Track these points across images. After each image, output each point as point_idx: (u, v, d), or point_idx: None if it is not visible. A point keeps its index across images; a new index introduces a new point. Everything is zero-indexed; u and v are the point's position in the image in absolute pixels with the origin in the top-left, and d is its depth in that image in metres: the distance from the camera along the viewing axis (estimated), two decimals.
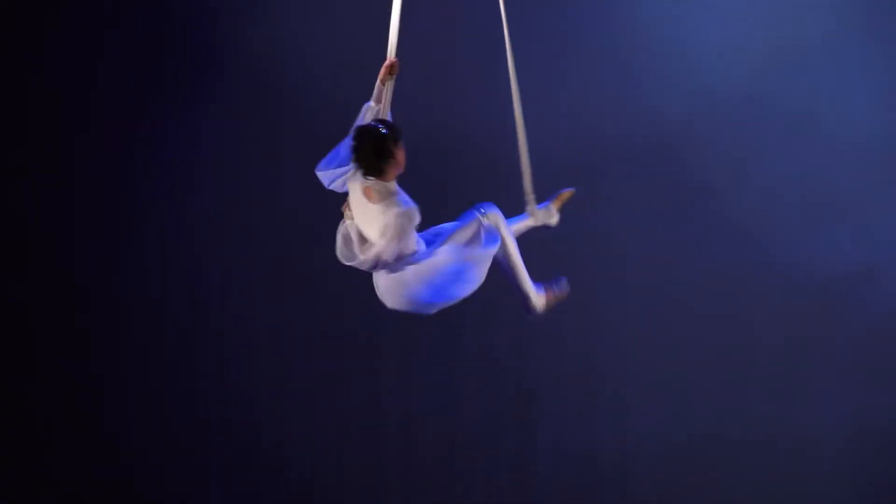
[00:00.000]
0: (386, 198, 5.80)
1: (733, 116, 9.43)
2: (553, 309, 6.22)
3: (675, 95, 9.42)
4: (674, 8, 9.41)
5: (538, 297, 6.23)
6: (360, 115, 6.03)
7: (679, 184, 9.45)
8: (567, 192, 6.62)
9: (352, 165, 5.88)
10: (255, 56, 9.65)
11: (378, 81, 6.07)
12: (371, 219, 5.85)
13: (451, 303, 5.97)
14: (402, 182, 5.90)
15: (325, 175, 6.00)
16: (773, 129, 9.42)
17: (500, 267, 6.17)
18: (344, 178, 5.95)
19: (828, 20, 9.37)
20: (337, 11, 9.53)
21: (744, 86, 9.43)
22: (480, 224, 6.04)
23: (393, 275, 5.89)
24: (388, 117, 6.03)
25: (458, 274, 5.94)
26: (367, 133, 5.82)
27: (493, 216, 6.08)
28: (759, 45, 9.41)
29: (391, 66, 6.10)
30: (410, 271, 5.89)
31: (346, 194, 5.99)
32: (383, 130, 5.81)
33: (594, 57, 9.41)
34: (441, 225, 6.10)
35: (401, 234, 5.78)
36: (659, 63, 9.42)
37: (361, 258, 5.89)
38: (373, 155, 5.79)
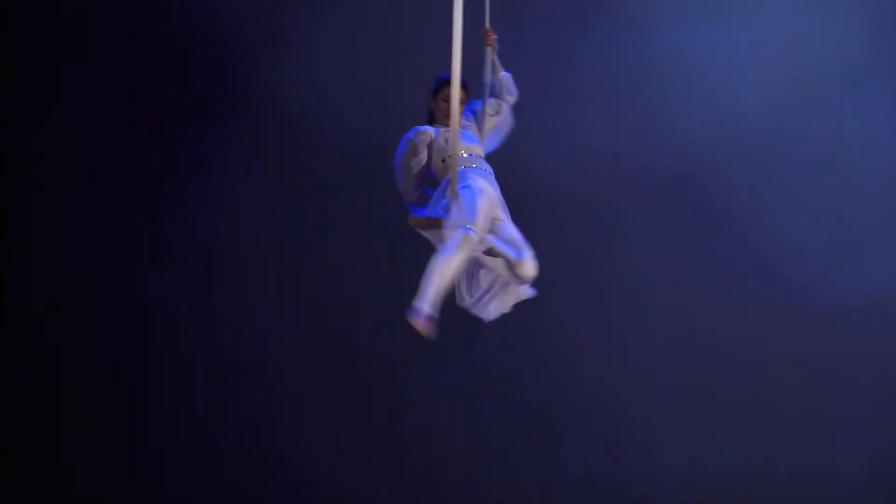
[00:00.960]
0: None
1: (756, 145, 9.45)
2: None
3: (698, 124, 9.46)
4: (696, 37, 9.46)
5: (414, 313, 6.18)
6: None
7: (703, 212, 9.48)
8: None
9: None
10: (280, 89, 9.69)
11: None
12: None
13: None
14: None
15: None
16: (797, 157, 9.44)
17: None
18: None
19: (850, 49, 9.41)
20: (362, 47, 9.62)
21: (767, 115, 9.44)
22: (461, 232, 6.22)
23: None
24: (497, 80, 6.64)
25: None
26: None
27: (470, 237, 6.22)
28: (782, 74, 9.44)
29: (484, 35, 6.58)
30: None
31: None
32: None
33: (617, 86, 9.47)
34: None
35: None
36: (682, 92, 9.46)
37: None
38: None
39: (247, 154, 9.74)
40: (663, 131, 9.45)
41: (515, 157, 9.01)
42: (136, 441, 9.72)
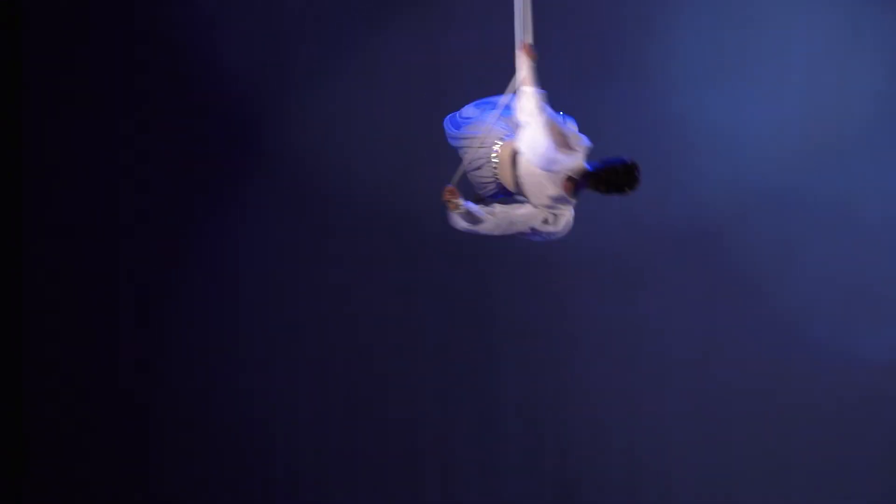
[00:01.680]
0: None
1: (772, 204, 9.47)
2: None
3: (714, 183, 9.49)
4: (711, 96, 9.49)
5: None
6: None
7: (719, 270, 9.51)
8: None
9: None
10: (298, 157, 9.80)
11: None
12: None
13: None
14: None
15: None
16: (812, 216, 9.45)
17: None
18: None
19: (864, 107, 9.44)
20: (377, 110, 9.71)
21: (782, 174, 9.46)
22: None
23: None
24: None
25: None
26: None
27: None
28: (797, 133, 9.47)
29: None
30: None
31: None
32: None
33: (633, 145, 9.41)
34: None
35: None
36: (698, 151, 9.50)
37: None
38: None
39: (260, 213, 9.81)
40: (680, 190, 9.48)
41: None
42: (152, 448, 9.83)
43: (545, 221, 5.95)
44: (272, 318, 9.82)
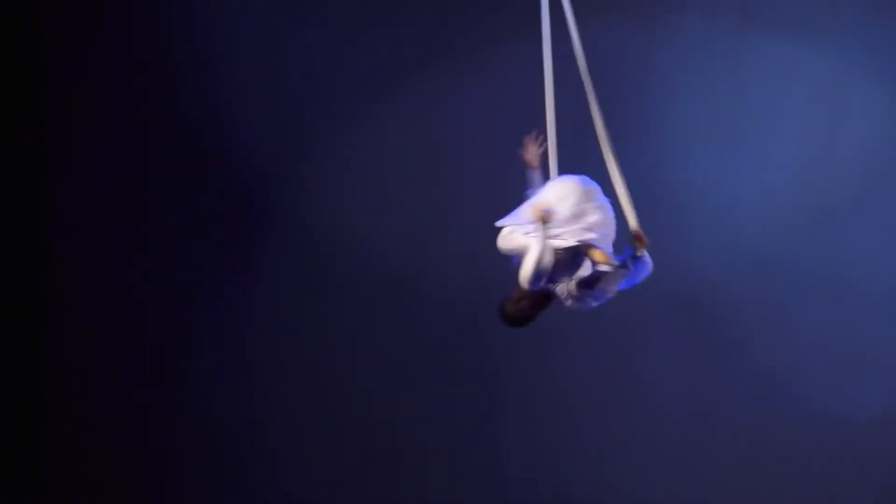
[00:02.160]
0: None
1: (763, 268, 9.56)
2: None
3: (707, 247, 9.58)
4: (704, 161, 9.60)
5: None
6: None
7: (711, 331, 9.60)
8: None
9: None
10: (306, 222, 9.94)
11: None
12: None
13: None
14: None
15: None
16: (802, 280, 9.54)
17: None
18: None
19: (854, 176, 9.53)
20: (388, 181, 9.84)
21: (773, 239, 9.56)
22: None
23: None
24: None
25: None
26: None
27: None
28: (788, 199, 9.56)
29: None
30: None
31: None
32: None
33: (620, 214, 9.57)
34: None
35: None
36: (691, 215, 9.58)
37: None
38: None
39: (268, 278, 9.92)
40: (673, 254, 9.39)
41: None
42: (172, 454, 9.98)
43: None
44: (278, 380, 9.91)
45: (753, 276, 9.57)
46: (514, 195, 6.41)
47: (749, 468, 9.56)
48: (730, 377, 9.59)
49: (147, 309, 9.98)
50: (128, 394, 9.96)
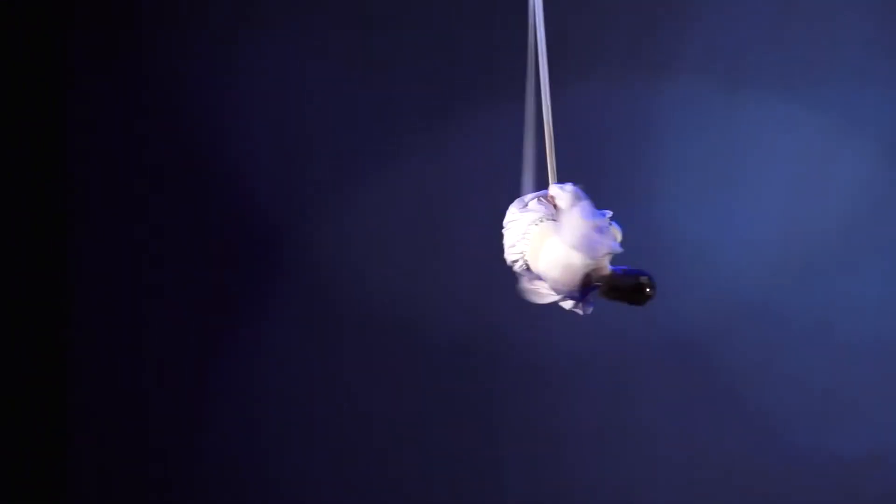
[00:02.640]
0: None
1: (753, 317, 9.62)
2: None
3: (698, 296, 9.64)
4: (696, 212, 9.68)
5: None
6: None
7: (703, 377, 9.68)
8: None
9: None
10: (314, 274, 10.01)
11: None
12: None
13: None
14: None
15: None
16: (791, 328, 9.62)
17: None
18: None
19: (842, 229, 9.64)
20: (395, 229, 9.94)
21: (763, 288, 9.62)
22: None
23: None
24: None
25: None
26: None
27: None
28: (778, 250, 9.65)
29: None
30: None
31: None
32: None
33: (621, 259, 9.53)
34: None
35: None
36: (683, 265, 9.62)
37: None
38: None
39: (276, 327, 10.00)
40: (665, 304, 8.95)
41: (530, 325, 9.47)
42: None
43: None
44: (285, 428, 9.99)
45: (743, 324, 9.64)
46: None
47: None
48: (720, 419, 9.65)
49: (156, 356, 10.05)
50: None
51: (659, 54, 9.77)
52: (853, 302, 9.66)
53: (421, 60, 9.88)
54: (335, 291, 9.96)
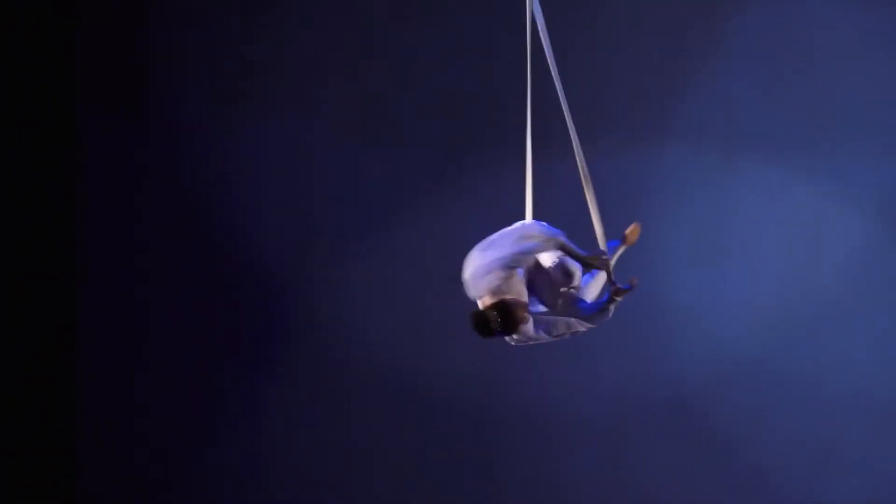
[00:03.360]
0: None
1: (746, 375, 9.75)
2: None
3: (693, 356, 9.78)
4: (691, 276, 9.78)
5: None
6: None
7: (699, 433, 9.78)
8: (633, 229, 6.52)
9: None
10: (322, 324, 10.16)
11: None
12: None
13: None
14: None
15: None
16: (782, 386, 9.73)
17: None
18: None
19: (832, 289, 9.75)
20: (397, 287, 10.09)
21: (755, 348, 9.74)
22: None
23: None
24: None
25: None
26: None
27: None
28: (770, 311, 9.75)
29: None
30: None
31: None
32: None
33: (616, 323, 8.94)
34: None
35: None
36: (678, 326, 9.76)
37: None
38: None
39: (283, 379, 10.15)
40: (660, 362, 9.77)
41: (527, 382, 9.68)
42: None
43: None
44: (291, 477, 10.12)
45: (738, 382, 9.77)
46: None
47: None
48: (714, 473, 9.75)
49: (161, 410, 10.18)
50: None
51: (654, 121, 9.93)
52: (845, 361, 9.77)
53: (425, 122, 10.07)
54: (341, 346, 10.11)
